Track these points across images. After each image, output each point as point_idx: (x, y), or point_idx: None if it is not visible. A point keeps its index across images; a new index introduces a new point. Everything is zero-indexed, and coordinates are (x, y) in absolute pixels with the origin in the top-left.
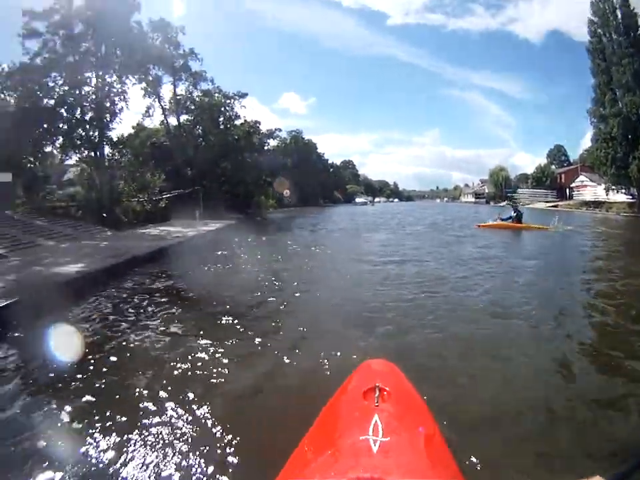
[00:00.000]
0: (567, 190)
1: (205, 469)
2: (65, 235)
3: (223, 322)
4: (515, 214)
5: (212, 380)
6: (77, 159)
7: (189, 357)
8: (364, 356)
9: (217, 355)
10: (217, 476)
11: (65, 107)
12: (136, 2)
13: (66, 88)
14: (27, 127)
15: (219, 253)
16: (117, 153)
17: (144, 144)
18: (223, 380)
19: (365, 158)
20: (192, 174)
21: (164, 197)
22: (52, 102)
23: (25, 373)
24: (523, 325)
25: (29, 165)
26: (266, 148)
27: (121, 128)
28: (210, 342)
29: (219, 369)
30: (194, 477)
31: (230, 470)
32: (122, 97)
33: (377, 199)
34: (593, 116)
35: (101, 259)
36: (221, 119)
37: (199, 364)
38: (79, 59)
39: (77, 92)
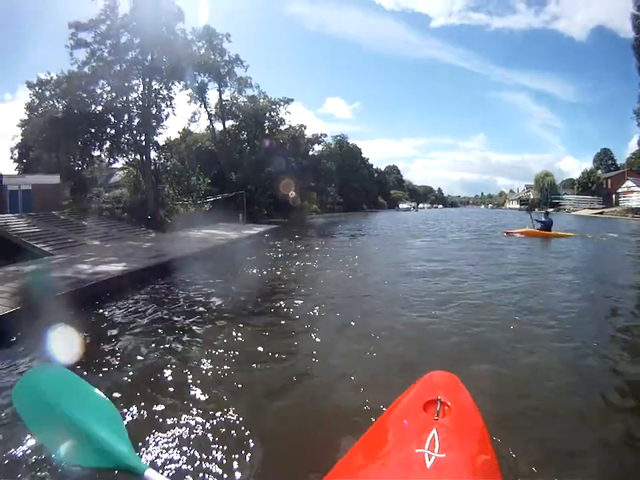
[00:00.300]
0: (614, 196)
1: (249, 473)
2: (109, 235)
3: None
4: (544, 221)
5: (265, 382)
6: (124, 163)
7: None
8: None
9: (263, 359)
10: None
11: (113, 113)
12: (180, 11)
13: (113, 94)
14: (76, 131)
15: (256, 257)
16: (162, 157)
17: (190, 148)
18: (279, 386)
19: (410, 163)
20: (236, 178)
21: (208, 200)
22: (100, 108)
23: None
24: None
25: (77, 168)
26: (311, 153)
27: (168, 133)
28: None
29: (270, 372)
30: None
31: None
32: (168, 103)
33: (420, 205)
34: (639, 116)
35: (142, 259)
36: (266, 124)
37: (237, 363)
38: (126, 67)
39: (124, 98)
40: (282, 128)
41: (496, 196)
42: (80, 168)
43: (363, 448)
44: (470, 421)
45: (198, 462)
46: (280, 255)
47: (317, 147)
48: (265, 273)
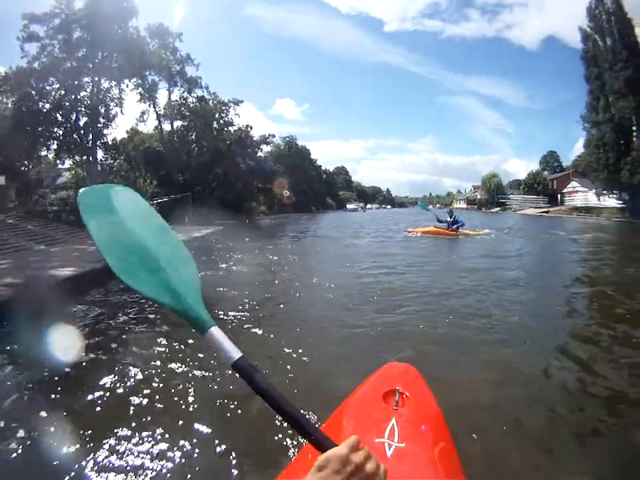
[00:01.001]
0: (559, 196)
1: (206, 467)
2: (53, 238)
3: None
4: (450, 219)
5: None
6: (71, 163)
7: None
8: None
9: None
10: (219, 477)
11: (61, 112)
12: (133, 8)
13: (62, 92)
14: (23, 130)
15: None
16: (110, 158)
17: (137, 149)
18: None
19: (358, 165)
20: (184, 179)
21: (155, 202)
22: (48, 106)
23: None
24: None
25: (22, 168)
26: (259, 154)
27: (116, 132)
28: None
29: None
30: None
31: (233, 471)
32: (117, 102)
33: (368, 206)
34: (585, 122)
35: (87, 263)
36: (215, 125)
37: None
38: (77, 64)
39: (73, 97)
40: (231, 129)
41: (444, 196)
42: (26, 168)
43: None
44: (428, 411)
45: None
46: (218, 258)
47: (266, 148)
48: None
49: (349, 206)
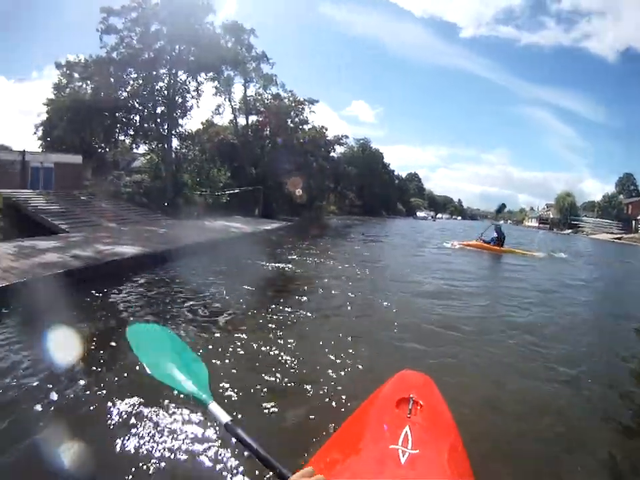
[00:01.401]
0: (634, 222)
1: (219, 467)
2: (125, 218)
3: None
4: (496, 236)
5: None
6: (147, 149)
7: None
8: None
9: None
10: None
11: (138, 100)
12: (210, 5)
13: (140, 82)
14: (101, 115)
15: (269, 251)
16: (184, 147)
17: (212, 140)
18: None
19: (432, 172)
20: (256, 173)
21: (226, 192)
22: (125, 94)
23: None
24: None
25: (99, 150)
26: (332, 154)
27: (191, 123)
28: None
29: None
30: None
31: (245, 471)
32: (193, 95)
33: (439, 215)
34: None
35: (155, 244)
36: (290, 122)
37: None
38: (154, 56)
39: (150, 87)
40: (305, 127)
41: (516, 212)
42: (103, 150)
43: (336, 444)
44: (441, 419)
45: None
46: (288, 252)
47: (339, 149)
48: (268, 267)
49: (419, 214)
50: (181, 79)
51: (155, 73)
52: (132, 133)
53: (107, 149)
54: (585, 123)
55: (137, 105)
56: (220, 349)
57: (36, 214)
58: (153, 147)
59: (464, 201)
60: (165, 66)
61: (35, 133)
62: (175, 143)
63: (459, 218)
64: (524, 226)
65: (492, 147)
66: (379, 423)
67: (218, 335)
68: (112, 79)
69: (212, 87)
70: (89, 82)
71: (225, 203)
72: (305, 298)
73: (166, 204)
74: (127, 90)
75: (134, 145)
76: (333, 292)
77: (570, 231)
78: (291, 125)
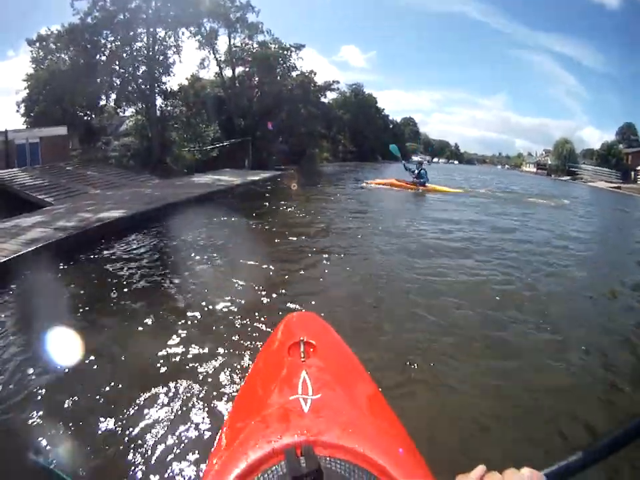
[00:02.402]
0: (633, 173)
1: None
2: (111, 183)
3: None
4: (416, 172)
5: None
6: (133, 111)
7: None
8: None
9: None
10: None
11: (117, 63)
12: None
13: (117, 44)
14: (81, 82)
15: (250, 203)
16: (170, 104)
17: (198, 95)
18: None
19: (428, 117)
20: (245, 124)
21: (215, 146)
22: (104, 58)
23: None
24: None
25: (85, 118)
26: (324, 100)
27: (176, 80)
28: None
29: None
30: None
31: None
32: (175, 50)
33: (435, 160)
34: None
35: (137, 205)
36: (278, 70)
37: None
38: (130, 16)
39: (129, 48)
40: (293, 74)
41: (514, 157)
42: (89, 118)
43: (240, 408)
44: (339, 357)
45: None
46: (273, 200)
47: (331, 95)
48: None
49: (413, 158)
50: (160, 37)
51: (132, 33)
52: (114, 96)
53: (93, 116)
54: (585, 70)
55: (117, 68)
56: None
57: (21, 191)
58: (138, 108)
59: (461, 145)
60: (142, 25)
61: (17, 111)
62: (160, 101)
63: (456, 162)
64: (521, 171)
65: (489, 92)
66: (274, 376)
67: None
68: (88, 45)
69: (195, 41)
70: (66, 52)
71: (215, 157)
72: (273, 248)
73: (154, 164)
74: (106, 54)
75: (118, 109)
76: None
77: (568, 177)
78: (279, 72)
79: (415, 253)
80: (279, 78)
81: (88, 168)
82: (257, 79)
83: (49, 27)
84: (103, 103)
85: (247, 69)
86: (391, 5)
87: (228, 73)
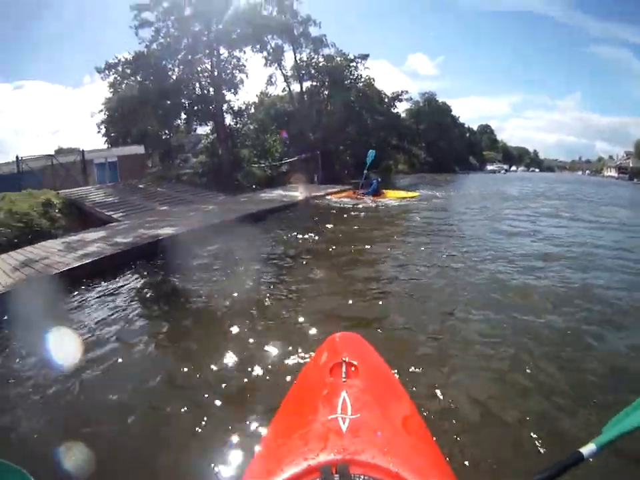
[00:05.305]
0: None
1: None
2: (180, 199)
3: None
4: (375, 183)
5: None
6: (205, 130)
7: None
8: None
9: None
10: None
11: (184, 85)
12: None
13: (181, 67)
14: (153, 105)
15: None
16: (238, 122)
17: (268, 111)
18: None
19: (504, 122)
20: (315, 138)
21: (285, 161)
22: (171, 81)
23: None
24: None
25: (163, 137)
26: (395, 111)
27: (247, 96)
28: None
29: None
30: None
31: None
32: (240, 69)
33: (513, 168)
34: None
35: (194, 223)
36: (346, 82)
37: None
38: (193, 40)
39: (194, 69)
40: (360, 85)
41: (594, 162)
42: (167, 137)
43: (279, 424)
44: (379, 378)
45: None
46: (333, 218)
47: (404, 106)
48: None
49: (488, 167)
50: (224, 57)
51: (197, 56)
52: (184, 116)
53: (171, 135)
54: None
55: (184, 90)
56: None
57: (93, 207)
58: (208, 126)
59: (540, 151)
60: (206, 47)
61: (98, 132)
62: (229, 119)
63: (537, 170)
64: (602, 176)
65: (565, 93)
66: (315, 395)
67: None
68: (153, 70)
69: (261, 58)
70: (137, 77)
71: (285, 172)
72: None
73: (225, 180)
74: (173, 77)
75: (190, 128)
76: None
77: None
78: (347, 84)
79: None
80: (345, 90)
81: (161, 185)
82: (326, 92)
83: (116, 55)
84: (175, 123)
85: (315, 83)
86: (452, 6)
87: (296, 87)
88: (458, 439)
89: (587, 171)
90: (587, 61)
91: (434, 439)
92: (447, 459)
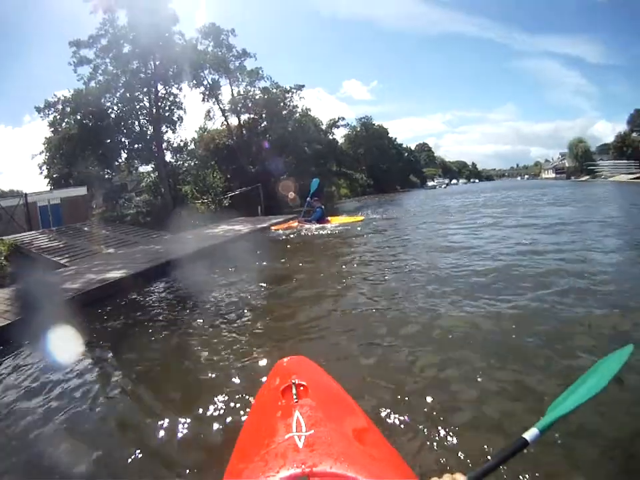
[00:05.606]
0: None
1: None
2: (125, 241)
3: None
4: (319, 211)
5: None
6: (145, 169)
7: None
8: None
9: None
10: None
11: (122, 123)
12: (173, 15)
13: (120, 105)
14: (92, 145)
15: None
16: (179, 158)
17: (207, 146)
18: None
19: (440, 139)
20: (256, 170)
21: (227, 196)
22: (110, 120)
23: None
24: None
25: (106, 177)
26: (332, 138)
27: (186, 132)
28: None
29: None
30: None
31: None
32: (177, 106)
33: (454, 181)
34: None
35: (141, 264)
36: (284, 112)
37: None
38: (130, 78)
39: (132, 107)
40: (297, 115)
41: (531, 166)
42: (109, 176)
43: (240, 448)
44: (329, 395)
45: None
46: (279, 247)
47: (342, 132)
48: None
49: (429, 183)
50: (161, 94)
51: (135, 93)
52: (125, 155)
53: (112, 175)
54: (587, 66)
55: (123, 128)
56: None
57: (39, 254)
58: (148, 165)
59: (478, 163)
60: (143, 85)
61: (40, 173)
62: (169, 156)
63: (476, 181)
64: (541, 178)
65: (496, 105)
66: (270, 417)
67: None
68: (94, 109)
69: (199, 94)
70: (77, 116)
71: (228, 206)
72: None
73: (168, 218)
74: (112, 115)
75: (131, 167)
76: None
77: (587, 177)
78: (284, 115)
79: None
80: (281, 122)
81: (105, 227)
82: (263, 124)
83: (54, 94)
84: (117, 162)
85: (252, 116)
86: (383, 34)
87: (234, 121)
88: (416, 442)
89: (526, 176)
90: (514, 73)
91: (390, 445)
92: (407, 460)
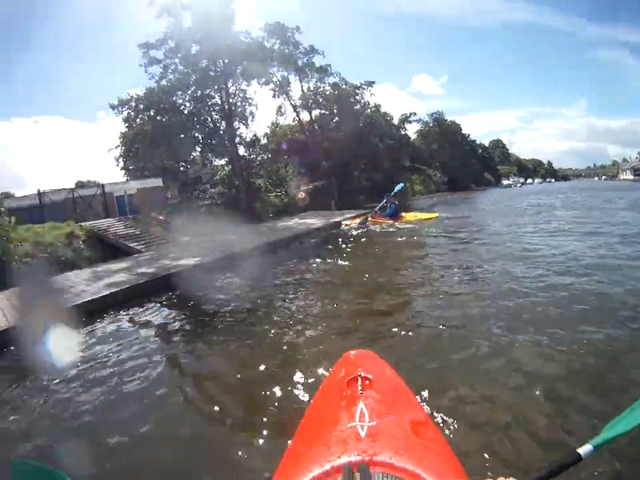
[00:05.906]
0: None
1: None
2: (199, 231)
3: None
4: (393, 207)
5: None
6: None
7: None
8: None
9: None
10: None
11: (195, 119)
12: (233, 14)
13: (192, 102)
14: (166, 138)
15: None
16: (252, 152)
17: (279, 141)
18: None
19: (513, 135)
20: (328, 165)
21: (300, 189)
22: (183, 117)
23: None
24: None
25: (182, 169)
26: (405, 133)
27: (259, 127)
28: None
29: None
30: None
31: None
32: (249, 102)
33: (529, 180)
34: None
35: (214, 253)
36: (356, 107)
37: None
38: (200, 76)
39: (204, 104)
40: (368, 111)
41: (609, 166)
42: (185, 169)
43: (302, 434)
44: (393, 389)
45: None
46: (352, 243)
47: (415, 127)
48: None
49: (504, 182)
50: (232, 91)
51: (205, 91)
52: (199, 149)
53: (187, 167)
54: None
55: (195, 124)
56: None
57: (116, 240)
58: (222, 158)
59: (553, 160)
60: (214, 82)
61: (117, 165)
62: (242, 150)
63: (553, 180)
64: (619, 180)
65: (570, 101)
66: (335, 406)
67: None
68: (165, 105)
69: (269, 90)
70: (150, 112)
71: (301, 199)
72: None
73: (242, 210)
74: (184, 111)
75: (205, 160)
76: None
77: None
78: (357, 111)
79: None
80: (353, 117)
81: (180, 217)
82: (335, 119)
83: (128, 92)
84: (192, 155)
85: (323, 111)
86: (451, 27)
87: (305, 116)
88: (470, 441)
89: (604, 177)
90: (587, 66)
91: (446, 441)
92: (460, 459)
